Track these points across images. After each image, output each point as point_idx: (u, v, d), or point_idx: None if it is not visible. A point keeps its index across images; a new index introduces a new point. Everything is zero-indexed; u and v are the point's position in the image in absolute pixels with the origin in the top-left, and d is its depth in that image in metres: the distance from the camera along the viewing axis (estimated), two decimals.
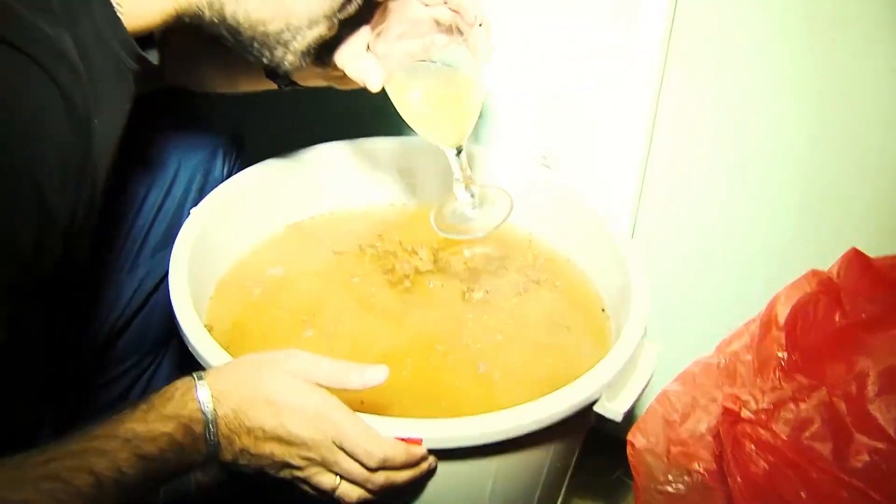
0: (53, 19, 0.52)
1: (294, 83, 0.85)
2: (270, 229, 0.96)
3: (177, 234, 0.83)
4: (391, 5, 0.76)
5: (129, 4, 0.60)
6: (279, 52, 0.68)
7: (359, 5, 0.70)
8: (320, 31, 0.69)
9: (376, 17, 0.76)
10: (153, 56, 0.65)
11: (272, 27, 0.66)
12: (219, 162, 0.95)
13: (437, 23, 0.76)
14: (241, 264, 0.91)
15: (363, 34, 0.76)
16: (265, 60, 0.69)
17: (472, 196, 0.80)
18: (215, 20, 0.65)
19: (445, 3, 0.75)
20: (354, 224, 0.99)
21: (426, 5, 0.76)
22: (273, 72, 0.81)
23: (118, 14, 0.59)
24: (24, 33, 0.49)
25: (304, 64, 0.71)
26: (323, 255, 0.93)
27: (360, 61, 0.75)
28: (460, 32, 0.74)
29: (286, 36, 0.67)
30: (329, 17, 0.68)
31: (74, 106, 0.52)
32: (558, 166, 0.99)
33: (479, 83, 0.75)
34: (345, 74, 0.77)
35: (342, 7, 0.69)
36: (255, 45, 0.67)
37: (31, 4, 0.51)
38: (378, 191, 1.02)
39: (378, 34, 0.75)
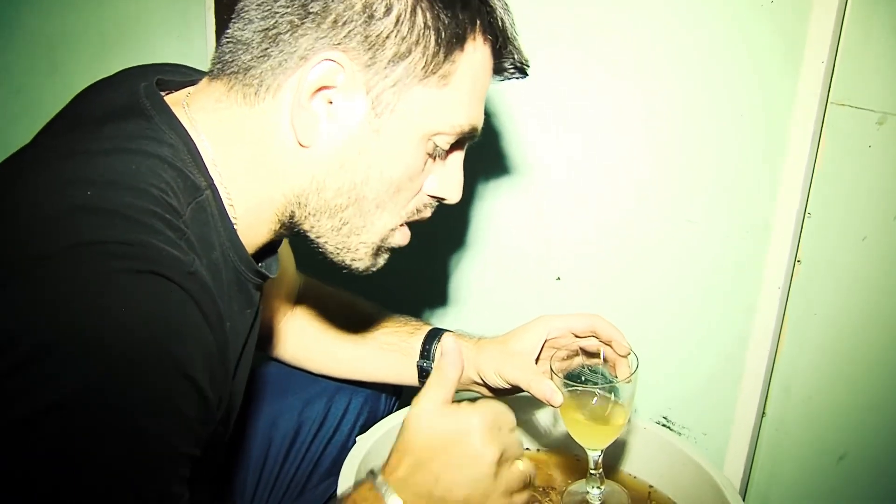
0: (189, 248, 0.65)
1: None
2: None
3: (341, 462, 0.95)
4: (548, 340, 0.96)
5: (243, 219, 0.73)
6: (353, 241, 0.77)
7: (430, 212, 0.81)
8: (388, 223, 0.77)
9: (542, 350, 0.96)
10: (274, 269, 0.80)
11: (347, 213, 0.75)
12: (383, 398, 1.11)
13: (583, 349, 0.96)
14: None
15: (530, 362, 0.94)
16: (341, 256, 0.78)
17: (600, 489, 0.95)
18: (304, 215, 0.75)
19: (594, 334, 0.94)
20: None
21: (576, 336, 0.96)
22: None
23: (238, 235, 0.72)
24: (165, 263, 0.61)
25: (375, 263, 0.80)
26: None
27: (543, 383, 0.90)
28: (599, 356, 0.95)
29: (358, 222, 0.76)
30: (397, 213, 0.78)
31: (206, 314, 0.63)
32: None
33: (628, 409, 0.91)
34: (488, 386, 0.97)
35: (415, 212, 0.80)
36: (334, 236, 0.77)
37: (169, 242, 0.62)
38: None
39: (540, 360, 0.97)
